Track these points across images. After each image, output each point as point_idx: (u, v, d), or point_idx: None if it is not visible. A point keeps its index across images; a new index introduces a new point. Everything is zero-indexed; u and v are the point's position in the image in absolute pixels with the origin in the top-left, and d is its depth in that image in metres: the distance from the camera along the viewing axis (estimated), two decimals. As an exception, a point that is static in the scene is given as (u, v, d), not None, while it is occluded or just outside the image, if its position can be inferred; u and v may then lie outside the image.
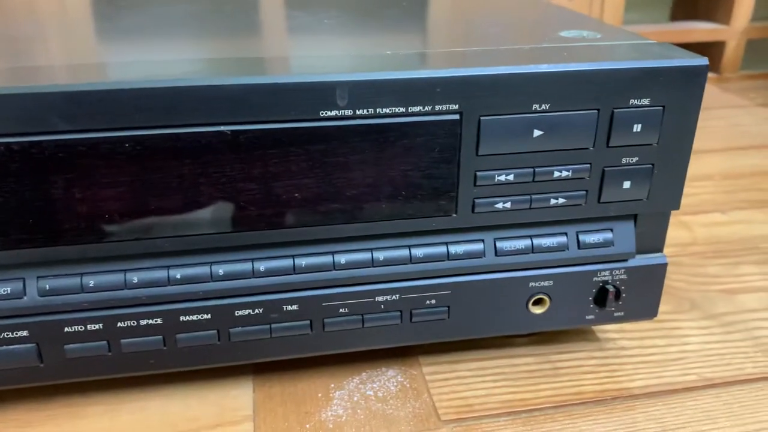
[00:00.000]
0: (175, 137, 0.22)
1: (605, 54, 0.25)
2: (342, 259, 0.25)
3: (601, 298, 0.28)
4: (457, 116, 0.23)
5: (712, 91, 0.70)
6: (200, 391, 0.28)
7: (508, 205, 0.25)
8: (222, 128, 0.22)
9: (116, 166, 0.22)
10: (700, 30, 0.72)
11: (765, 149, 0.55)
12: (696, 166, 0.51)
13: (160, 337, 0.25)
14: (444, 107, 0.23)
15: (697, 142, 0.57)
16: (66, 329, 0.24)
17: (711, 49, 0.74)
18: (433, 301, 0.27)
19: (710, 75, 0.73)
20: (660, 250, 0.28)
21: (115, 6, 0.36)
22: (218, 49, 0.27)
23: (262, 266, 0.25)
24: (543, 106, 0.24)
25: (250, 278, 0.25)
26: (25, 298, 0.24)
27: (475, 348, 0.31)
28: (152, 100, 0.21)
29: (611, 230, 0.27)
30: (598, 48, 0.26)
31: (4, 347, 0.24)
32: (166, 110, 0.22)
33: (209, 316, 0.25)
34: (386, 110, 0.23)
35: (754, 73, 0.75)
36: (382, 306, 0.26)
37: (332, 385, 0.29)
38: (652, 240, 0.28)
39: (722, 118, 0.62)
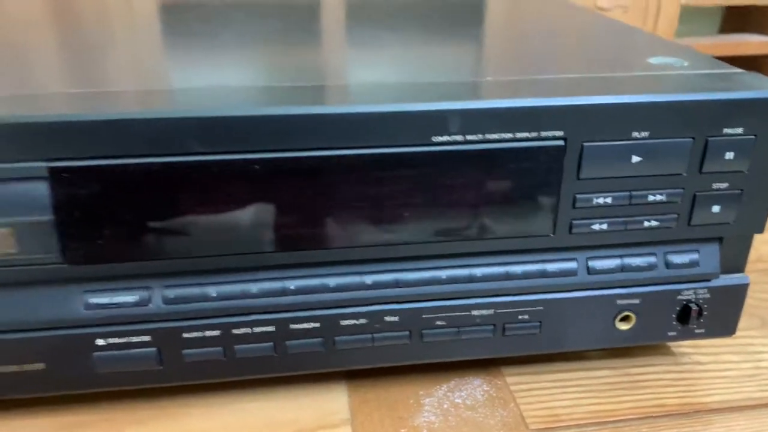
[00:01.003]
0: (296, 160, 0.24)
1: (698, 84, 0.26)
2: (443, 274, 0.27)
3: (684, 315, 0.29)
4: (561, 142, 0.25)
5: None
6: (297, 395, 0.30)
7: (604, 226, 0.26)
8: (342, 152, 0.24)
9: (241, 186, 0.24)
10: (752, 43, 0.73)
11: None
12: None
13: (271, 343, 0.27)
14: (549, 134, 0.25)
15: None
16: (185, 335, 0.26)
17: (761, 62, 0.74)
18: (526, 316, 0.28)
19: None
20: (741, 270, 0.29)
21: (187, 24, 0.38)
22: (319, 74, 0.28)
23: (369, 279, 0.26)
24: (642, 134, 0.25)
25: (357, 290, 0.26)
26: (150, 305, 0.25)
27: (552, 360, 0.32)
28: (280, 126, 0.23)
29: (698, 251, 0.28)
30: (689, 77, 0.27)
31: (129, 351, 0.26)
32: (292, 135, 0.23)
33: (318, 324, 0.27)
34: (495, 136, 0.24)
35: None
36: (478, 320, 0.28)
37: (421, 393, 0.30)
38: (735, 261, 0.29)
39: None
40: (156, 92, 0.25)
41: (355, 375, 0.31)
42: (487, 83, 0.26)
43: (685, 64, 0.29)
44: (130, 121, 0.22)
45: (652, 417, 0.29)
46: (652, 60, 0.29)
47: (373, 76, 0.28)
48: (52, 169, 0.22)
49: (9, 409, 0.28)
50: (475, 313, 0.27)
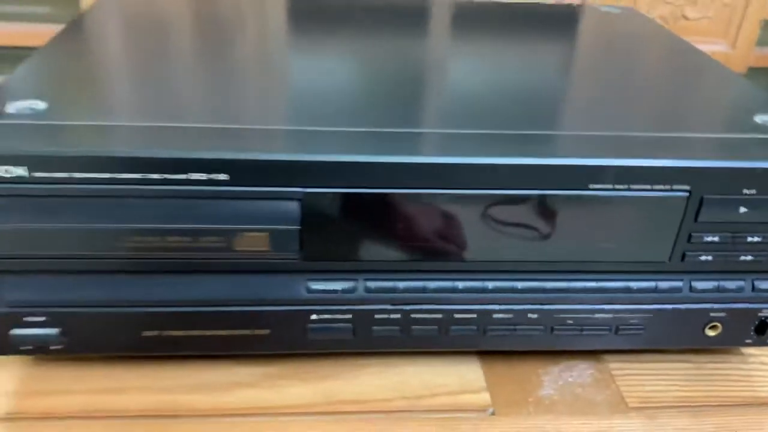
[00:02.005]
0: (486, 197, 0.31)
1: None
2: (577, 285, 0.34)
3: (760, 328, 0.36)
4: (687, 194, 0.32)
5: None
6: (442, 365, 0.38)
7: (709, 257, 0.34)
8: (522, 192, 0.31)
9: (430, 213, 0.31)
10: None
11: None
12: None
13: (437, 327, 0.35)
14: (679, 187, 0.31)
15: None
16: (376, 316, 0.34)
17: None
18: (636, 321, 0.35)
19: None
20: (813, 294, 0.36)
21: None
22: (490, 121, 0.35)
23: (519, 285, 0.34)
24: (751, 191, 0.32)
25: (509, 293, 0.34)
26: (354, 293, 0.33)
27: (644, 352, 0.40)
28: (482, 172, 0.30)
29: (779, 280, 0.35)
30: None
31: (333, 325, 0.34)
32: (489, 178, 0.30)
33: (475, 316, 0.34)
34: (636, 186, 0.31)
35: None
36: (599, 321, 0.35)
37: (540, 371, 0.38)
38: (808, 288, 0.36)
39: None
40: (370, 134, 0.32)
41: (485, 352, 0.39)
42: (632, 139, 0.33)
43: (787, 125, 0.35)
44: (369, 164, 0.30)
45: (723, 406, 0.37)
46: (757, 118, 0.36)
47: (534, 124, 0.35)
48: (305, 194, 0.30)
49: (232, 359, 0.37)
50: (597, 316, 0.35)
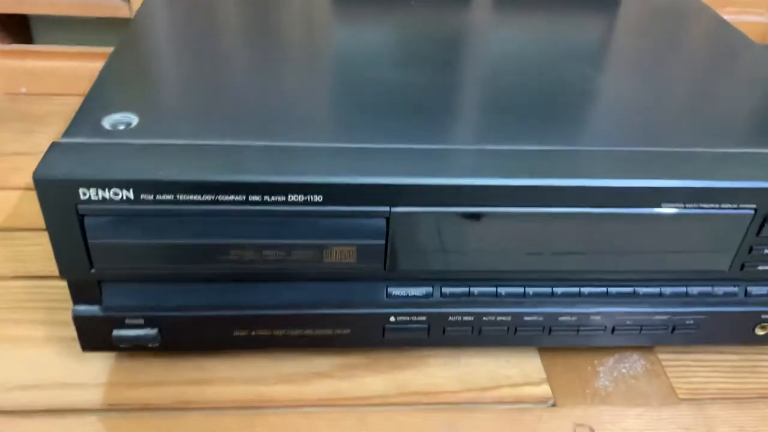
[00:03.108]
0: (566, 215, 0.32)
1: None
2: (640, 290, 0.36)
3: (806, 327, 0.39)
4: (752, 212, 0.33)
5: None
6: (507, 358, 0.40)
7: (766, 267, 0.35)
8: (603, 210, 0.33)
9: (510, 228, 0.33)
10: None
11: None
12: None
13: (506, 328, 0.37)
14: (745, 205, 0.33)
15: None
16: (450, 318, 0.36)
17: None
18: (692, 321, 0.38)
19: None
20: None
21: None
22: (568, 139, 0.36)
23: (585, 290, 0.36)
24: (813, 209, 0.33)
25: (573, 297, 0.36)
26: (431, 298, 0.35)
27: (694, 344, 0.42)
28: (565, 192, 0.32)
29: (829, 286, 0.37)
30: None
31: (409, 325, 0.36)
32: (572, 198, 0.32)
33: (542, 318, 0.37)
34: (705, 205, 0.33)
35: None
36: (656, 322, 0.37)
37: (595, 362, 0.41)
38: None
39: None
40: (448, 152, 0.33)
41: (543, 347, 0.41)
42: (700, 156, 0.34)
43: None
44: (453, 186, 0.31)
45: (765, 397, 0.39)
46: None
47: (606, 142, 0.36)
48: (392, 213, 0.32)
49: (311, 350, 0.39)
50: (656, 318, 0.37)
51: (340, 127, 0.35)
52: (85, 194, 0.30)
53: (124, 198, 0.30)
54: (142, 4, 0.47)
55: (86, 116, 0.34)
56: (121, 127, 0.33)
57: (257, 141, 0.33)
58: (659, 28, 0.51)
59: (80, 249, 0.32)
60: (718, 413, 0.38)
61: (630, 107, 0.39)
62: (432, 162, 0.32)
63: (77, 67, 0.66)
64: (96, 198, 0.30)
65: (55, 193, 0.30)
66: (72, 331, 0.35)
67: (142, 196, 0.30)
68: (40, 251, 0.46)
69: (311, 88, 0.39)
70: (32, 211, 0.50)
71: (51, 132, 0.59)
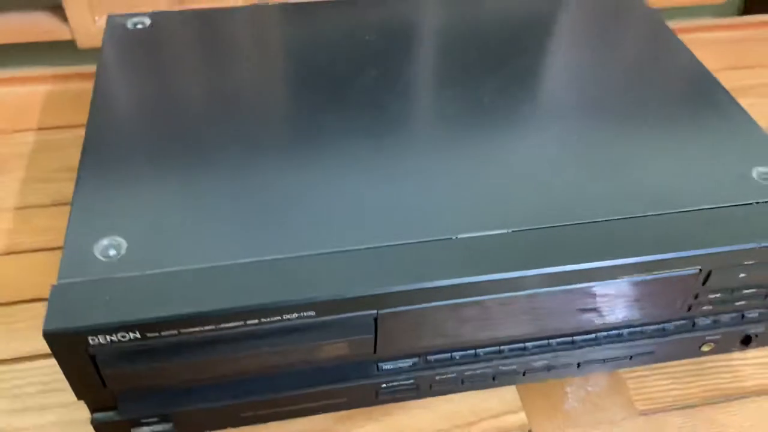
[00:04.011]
0: (534, 295, 0.36)
1: None
2: (602, 335, 0.41)
3: (746, 341, 0.44)
4: (697, 271, 0.37)
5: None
6: (486, 392, 0.45)
7: (710, 307, 0.40)
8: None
9: (494, 312, 0.36)
10: None
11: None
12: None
13: (485, 377, 0.41)
14: (689, 268, 0.37)
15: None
16: (436, 378, 0.40)
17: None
18: (650, 350, 0.42)
19: (798, 17, 0.80)
20: (788, 311, 0.44)
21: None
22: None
23: (555, 342, 0.40)
24: (749, 261, 0.37)
25: (550, 349, 0.40)
26: (418, 365, 0.39)
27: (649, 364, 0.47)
28: (530, 280, 0.35)
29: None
30: None
31: (400, 388, 0.40)
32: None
33: (516, 367, 0.41)
34: (656, 271, 0.36)
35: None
36: (617, 355, 0.42)
37: (565, 384, 0.46)
38: (785, 307, 0.43)
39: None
40: (425, 249, 0.36)
41: (517, 369, 0.46)
42: (645, 224, 0.37)
43: (780, 178, 0.40)
44: (435, 288, 0.34)
45: (714, 403, 0.45)
46: (755, 174, 0.40)
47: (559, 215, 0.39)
48: (378, 316, 0.35)
49: (306, 417, 0.43)
50: (617, 352, 0.42)
51: (322, 229, 0.37)
52: (93, 340, 0.32)
53: (131, 338, 0.32)
54: (96, 75, 0.46)
55: (76, 246, 0.35)
56: (112, 253, 0.35)
57: (245, 258, 0.35)
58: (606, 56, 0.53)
59: (94, 377, 0.34)
60: (670, 421, 0.44)
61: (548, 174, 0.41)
62: (413, 265, 0.35)
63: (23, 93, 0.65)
64: (104, 341, 0.32)
65: (65, 341, 0.32)
66: (80, 414, 0.38)
67: (148, 335, 0.32)
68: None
69: (289, 191, 0.39)
70: (15, 275, 0.51)
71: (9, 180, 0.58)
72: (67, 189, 0.57)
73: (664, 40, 0.52)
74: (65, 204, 0.56)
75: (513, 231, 0.37)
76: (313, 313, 0.34)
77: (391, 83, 0.47)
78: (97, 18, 0.62)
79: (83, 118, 0.59)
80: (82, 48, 0.64)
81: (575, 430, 0.43)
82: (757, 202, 0.39)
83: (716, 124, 0.45)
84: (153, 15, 0.51)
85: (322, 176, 0.40)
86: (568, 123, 0.44)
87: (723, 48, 0.76)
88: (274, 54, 0.51)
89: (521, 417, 0.44)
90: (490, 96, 0.46)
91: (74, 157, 0.59)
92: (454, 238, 0.36)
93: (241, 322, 0.33)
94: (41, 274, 0.42)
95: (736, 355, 0.47)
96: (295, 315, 0.34)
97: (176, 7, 0.64)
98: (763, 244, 0.37)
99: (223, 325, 0.33)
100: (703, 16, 0.86)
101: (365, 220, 0.37)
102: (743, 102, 0.69)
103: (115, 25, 0.50)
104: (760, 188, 0.40)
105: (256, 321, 0.33)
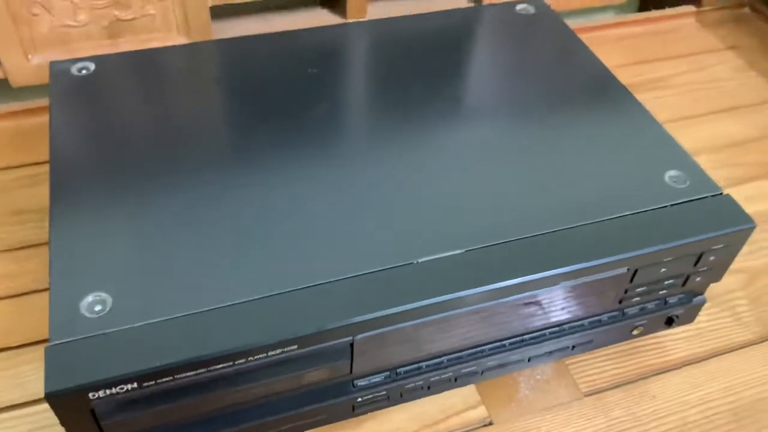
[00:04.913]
0: (494, 306, 0.40)
1: (704, 224, 0.43)
2: (547, 332, 0.46)
3: (668, 321, 0.50)
4: (626, 271, 0.42)
5: (689, 30, 0.86)
6: (450, 392, 0.49)
7: (638, 298, 0.46)
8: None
9: (456, 326, 0.41)
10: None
11: (736, 112, 0.74)
12: (687, 138, 0.71)
13: (449, 379, 0.45)
14: (619, 269, 0.42)
15: (684, 107, 0.75)
16: (406, 386, 0.44)
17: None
18: (585, 339, 0.48)
19: (688, 9, 0.88)
20: (703, 293, 0.50)
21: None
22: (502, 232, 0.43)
23: (507, 342, 0.45)
24: (668, 258, 0.43)
25: (504, 349, 0.45)
26: (389, 378, 0.43)
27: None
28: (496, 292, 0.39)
29: (680, 296, 0.48)
30: (700, 210, 0.44)
31: (372, 400, 0.44)
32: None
33: (476, 368, 0.45)
34: (590, 275, 0.42)
35: (726, 3, 0.90)
36: (562, 346, 0.47)
37: (517, 374, 0.51)
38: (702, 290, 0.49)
39: (701, 69, 0.80)
40: (394, 276, 0.40)
41: (474, 366, 0.51)
42: (575, 235, 0.42)
43: (688, 182, 0.46)
44: (405, 311, 0.38)
45: (646, 376, 0.51)
46: (667, 178, 0.46)
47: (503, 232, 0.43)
48: (354, 341, 0.38)
49: None
50: (561, 344, 0.47)
51: (296, 265, 0.40)
52: (94, 395, 0.34)
53: (129, 389, 0.35)
54: (50, 127, 0.47)
55: (62, 306, 0.37)
56: (98, 308, 0.37)
57: (228, 301, 0.37)
58: (524, 70, 0.57)
59: (93, 428, 0.36)
60: (611, 398, 0.50)
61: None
62: (383, 292, 0.38)
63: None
64: (104, 395, 0.34)
65: (67, 400, 0.34)
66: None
67: (144, 384, 0.35)
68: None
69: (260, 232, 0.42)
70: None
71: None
72: (20, 233, 0.58)
73: (573, 51, 0.58)
74: (18, 249, 0.56)
75: (465, 251, 0.41)
76: (295, 347, 0.37)
77: (337, 113, 0.50)
78: (30, 56, 0.62)
79: (23, 157, 0.60)
80: (16, 86, 0.64)
81: (530, 415, 0.49)
82: (671, 205, 0.45)
83: (629, 133, 0.50)
84: (96, 59, 0.52)
85: (284, 213, 0.43)
86: (500, 142, 0.49)
87: (625, 44, 0.83)
88: (220, 89, 0.53)
89: (481, 410, 0.49)
90: (428, 120, 0.50)
91: (20, 199, 0.59)
92: (415, 262, 0.40)
93: (230, 363, 0.36)
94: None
95: (662, 332, 0.54)
96: (279, 351, 0.37)
97: (107, 46, 0.64)
98: (678, 243, 0.42)
99: (213, 367, 0.36)
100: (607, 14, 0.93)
101: (335, 252, 0.40)
102: (645, 96, 0.76)
103: (59, 71, 0.51)
104: (672, 191, 0.45)
105: (243, 360, 0.36)
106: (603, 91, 0.54)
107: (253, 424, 0.41)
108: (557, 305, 0.43)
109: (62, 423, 0.36)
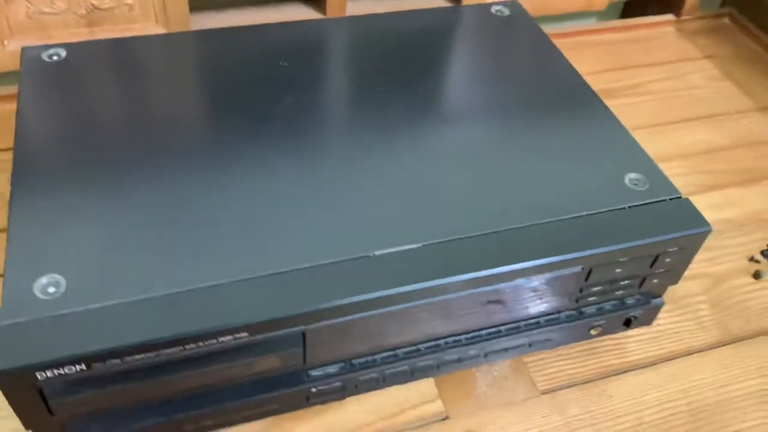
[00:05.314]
0: (449, 300, 0.41)
1: (660, 226, 0.44)
2: (504, 328, 0.46)
3: (627, 323, 0.50)
4: (580, 269, 0.43)
5: (668, 38, 0.87)
6: (408, 385, 0.50)
7: (594, 297, 0.46)
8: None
9: (411, 318, 0.41)
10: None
11: (709, 120, 0.75)
12: (661, 144, 0.71)
13: (405, 372, 0.46)
14: (573, 267, 0.43)
15: (660, 113, 0.76)
16: (360, 378, 0.45)
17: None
18: (543, 338, 0.48)
19: (668, 18, 0.89)
20: (661, 296, 0.50)
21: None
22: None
23: (464, 338, 0.45)
24: (624, 258, 0.44)
25: (461, 344, 0.45)
26: (344, 370, 0.43)
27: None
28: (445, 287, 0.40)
29: (638, 298, 0.49)
30: (657, 213, 0.45)
31: (326, 391, 0.44)
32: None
33: (432, 362, 0.46)
34: (545, 273, 0.42)
35: (706, 13, 0.91)
36: (519, 343, 0.48)
37: (475, 370, 0.51)
38: (660, 293, 0.50)
39: (678, 76, 0.81)
40: (339, 266, 0.40)
41: (433, 362, 0.51)
42: (528, 231, 0.43)
43: (647, 185, 0.46)
44: (352, 303, 0.38)
45: (605, 376, 0.52)
46: (627, 180, 0.47)
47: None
48: (306, 330, 0.39)
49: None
50: (517, 341, 0.47)
51: (250, 254, 0.40)
52: (42, 376, 0.34)
53: (77, 369, 0.35)
54: (18, 110, 0.48)
55: (15, 286, 0.37)
56: (51, 290, 0.37)
57: (179, 287, 0.38)
58: (494, 69, 0.58)
59: (41, 408, 0.36)
60: (568, 396, 0.50)
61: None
62: (336, 283, 0.39)
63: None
64: (51, 375, 0.35)
65: (13, 378, 0.34)
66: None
67: (93, 365, 0.35)
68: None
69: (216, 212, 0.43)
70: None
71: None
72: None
73: (545, 54, 0.58)
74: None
75: (422, 245, 0.41)
76: (246, 334, 0.37)
77: (305, 107, 0.50)
78: (6, 42, 0.62)
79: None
80: (-7, 71, 0.64)
81: (486, 411, 0.49)
82: (629, 206, 0.45)
83: (593, 135, 0.50)
84: (68, 46, 0.52)
85: (244, 202, 0.43)
86: (464, 140, 0.49)
87: (604, 50, 0.84)
88: (190, 80, 0.53)
89: (438, 405, 0.49)
90: (395, 116, 0.50)
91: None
92: (371, 255, 0.41)
93: (180, 348, 0.36)
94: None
95: (622, 334, 0.54)
96: (230, 337, 0.37)
97: (85, 35, 0.64)
98: (633, 243, 0.43)
99: (163, 351, 0.36)
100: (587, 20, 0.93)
101: (290, 243, 0.41)
102: (621, 101, 0.77)
103: (30, 57, 0.51)
104: (631, 193, 0.46)
105: (194, 345, 0.37)
106: (571, 94, 0.54)
107: (206, 411, 0.42)
108: (513, 302, 0.44)
109: (10, 403, 0.36)
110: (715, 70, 0.82)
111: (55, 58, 0.52)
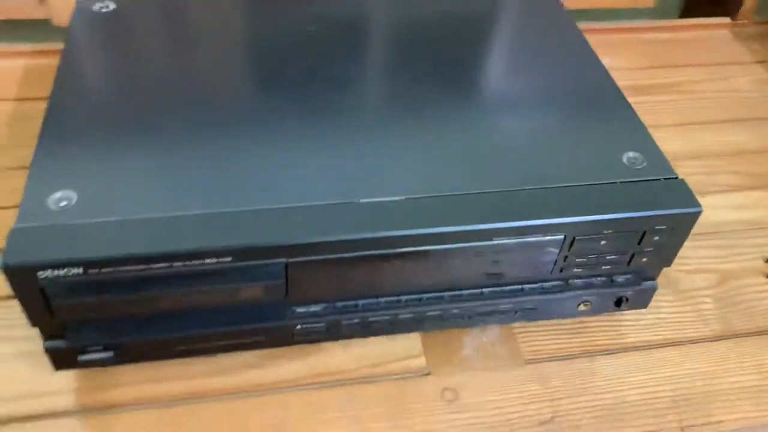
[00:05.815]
0: (430, 252, 0.43)
1: (650, 201, 0.44)
2: (487, 291, 0.47)
3: (618, 302, 0.51)
4: (562, 237, 0.44)
5: (721, 40, 0.85)
6: (395, 339, 0.52)
7: (580, 270, 0.47)
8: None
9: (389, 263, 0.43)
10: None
11: (747, 123, 0.74)
12: (693, 141, 0.70)
13: (387, 322, 0.48)
14: (556, 235, 0.44)
15: (697, 112, 0.75)
16: (343, 322, 0.47)
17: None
18: (531, 306, 0.49)
19: (723, 21, 0.87)
20: (655, 279, 0.50)
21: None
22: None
23: (446, 295, 0.47)
24: (609, 231, 0.44)
25: (443, 301, 0.47)
26: (327, 310, 0.46)
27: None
28: (426, 238, 0.42)
29: (629, 275, 0.49)
30: (647, 191, 0.45)
31: (311, 330, 0.47)
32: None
33: (413, 315, 0.48)
34: (528, 236, 0.43)
35: (764, 19, 0.88)
36: (504, 309, 0.49)
37: (463, 336, 0.53)
38: (652, 275, 0.50)
39: (723, 78, 0.79)
40: (330, 207, 0.42)
41: (424, 322, 0.53)
42: (517, 196, 0.44)
43: (644, 164, 0.47)
44: (335, 242, 0.41)
45: (592, 354, 0.52)
46: (624, 158, 0.47)
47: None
48: (288, 263, 0.41)
49: (224, 355, 0.50)
50: (502, 307, 0.49)
51: (246, 190, 0.43)
52: (42, 275, 0.39)
53: (75, 273, 0.39)
54: (62, 52, 0.53)
55: (32, 197, 0.41)
56: (63, 204, 0.41)
57: (174, 211, 0.41)
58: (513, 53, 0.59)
59: (44, 308, 0.41)
60: (551, 369, 0.51)
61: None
62: (319, 222, 0.41)
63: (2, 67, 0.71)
64: (52, 276, 0.39)
65: (19, 274, 0.38)
66: (34, 346, 0.45)
67: (89, 271, 0.39)
68: None
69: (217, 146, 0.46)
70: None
71: None
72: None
73: (571, 40, 0.59)
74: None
75: (407, 198, 0.43)
76: (230, 259, 0.40)
77: (322, 70, 0.53)
78: (70, -3, 0.68)
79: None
80: (58, 26, 0.70)
81: (468, 373, 0.50)
82: (620, 182, 0.46)
83: (599, 113, 0.51)
84: (117, -1, 0.57)
85: (247, 145, 0.46)
86: (470, 108, 0.51)
87: (650, 48, 0.83)
88: (227, 37, 0.57)
89: (421, 361, 0.51)
90: (404, 82, 0.52)
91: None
92: (357, 201, 0.43)
93: (168, 264, 0.40)
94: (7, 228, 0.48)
95: (618, 316, 0.54)
96: (214, 260, 0.40)
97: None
98: (616, 216, 0.43)
99: (152, 266, 0.40)
100: (642, 19, 0.92)
101: (284, 183, 0.44)
102: (658, 98, 0.76)
103: (82, 8, 0.56)
104: (626, 170, 0.46)
105: (180, 263, 0.40)
106: (584, 72, 0.55)
107: (195, 333, 0.45)
108: (493, 263, 0.45)
109: (17, 298, 0.40)
110: (765, 75, 0.80)
111: (104, 9, 0.57)
